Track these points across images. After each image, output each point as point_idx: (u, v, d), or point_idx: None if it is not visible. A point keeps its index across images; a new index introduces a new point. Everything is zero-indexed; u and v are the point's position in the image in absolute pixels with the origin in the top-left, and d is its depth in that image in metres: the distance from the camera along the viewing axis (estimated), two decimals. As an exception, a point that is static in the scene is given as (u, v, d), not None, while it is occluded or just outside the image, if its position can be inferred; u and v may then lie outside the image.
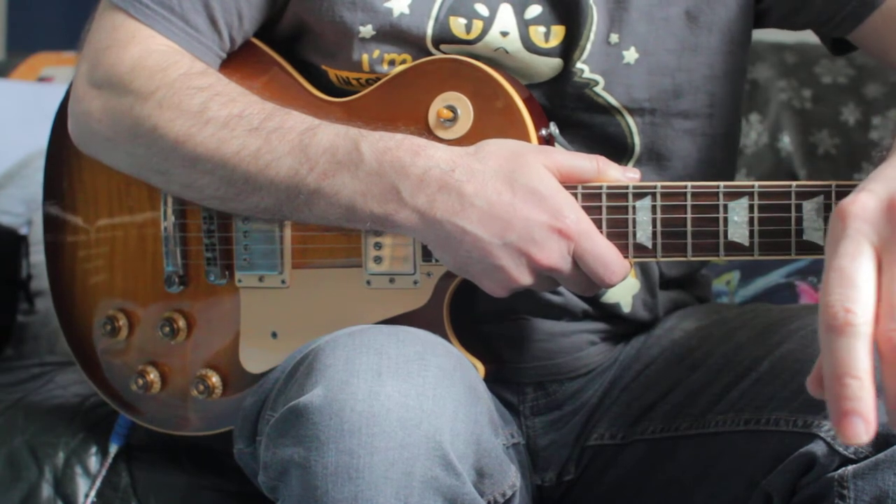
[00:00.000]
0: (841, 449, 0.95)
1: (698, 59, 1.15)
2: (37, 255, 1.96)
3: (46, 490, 1.36)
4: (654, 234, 1.01)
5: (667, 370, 1.16)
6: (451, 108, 1.07)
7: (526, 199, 0.98)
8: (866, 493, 0.93)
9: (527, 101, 1.08)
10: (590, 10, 1.11)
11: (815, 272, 1.75)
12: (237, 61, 1.17)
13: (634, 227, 1.01)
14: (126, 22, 1.12)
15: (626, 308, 1.20)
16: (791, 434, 1.00)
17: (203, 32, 1.13)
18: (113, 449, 1.33)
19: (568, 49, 1.12)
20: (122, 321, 1.24)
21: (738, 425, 1.07)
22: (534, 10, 1.11)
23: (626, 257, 1.02)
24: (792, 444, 0.99)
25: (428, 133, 1.07)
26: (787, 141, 2.09)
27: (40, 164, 2.14)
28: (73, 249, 1.28)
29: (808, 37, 2.29)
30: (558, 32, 1.12)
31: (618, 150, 1.16)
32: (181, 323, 1.21)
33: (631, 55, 1.13)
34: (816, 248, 0.97)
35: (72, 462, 1.36)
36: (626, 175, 1.03)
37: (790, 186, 0.97)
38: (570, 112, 1.14)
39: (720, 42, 1.15)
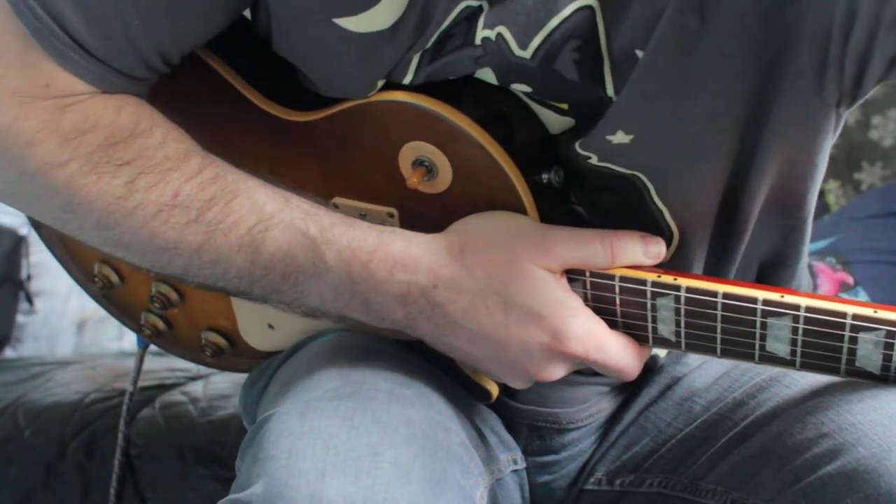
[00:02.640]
0: None
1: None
2: (37, 255, 1.97)
3: (45, 487, 1.36)
4: (678, 332, 0.89)
5: (666, 417, 1.08)
6: (424, 164, 0.91)
7: (521, 321, 0.86)
8: None
9: (512, 147, 0.90)
10: (604, 106, 0.88)
11: (833, 253, 1.75)
12: (175, 77, 0.94)
13: (655, 322, 0.89)
14: (42, 63, 0.86)
15: (663, 355, 1.09)
16: None
17: (138, 77, 0.90)
18: (140, 346, 1.22)
19: (577, 122, 0.92)
20: (113, 276, 1.12)
21: (724, 502, 1.00)
22: (520, 87, 0.91)
23: (645, 345, 0.92)
24: None
25: (402, 181, 0.92)
26: (787, 140, 2.10)
27: (40, 164, 2.16)
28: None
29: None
30: (560, 104, 0.92)
31: (635, 196, 0.96)
32: (173, 296, 1.10)
33: (620, 137, 0.90)
34: (870, 376, 0.86)
35: (71, 459, 1.37)
36: (648, 251, 0.89)
37: (845, 316, 0.83)
38: (592, 179, 0.94)
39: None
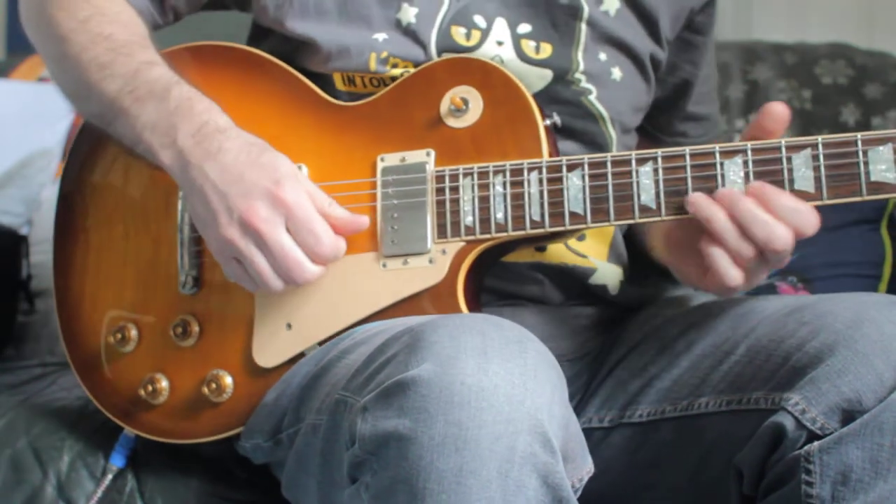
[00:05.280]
0: (808, 423, 0.99)
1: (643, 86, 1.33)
2: (37, 256, 1.96)
3: (50, 493, 1.35)
4: (658, 194, 1.08)
5: (651, 357, 1.21)
6: (463, 100, 1.15)
7: (264, 167, 1.11)
8: (831, 469, 0.98)
9: (532, 95, 1.17)
10: (577, 34, 1.25)
11: (795, 271, 1.76)
12: (253, 76, 1.26)
13: (638, 189, 1.09)
14: None
15: (613, 291, 1.29)
16: (768, 412, 1.04)
17: None
18: (113, 469, 1.32)
19: (557, 62, 1.25)
20: (133, 331, 1.26)
21: (720, 407, 1.11)
22: (524, 28, 1.24)
23: (630, 218, 1.09)
24: (766, 420, 1.04)
25: (439, 122, 1.17)
26: (787, 141, 2.09)
27: (40, 163, 2.15)
28: (83, 265, 1.31)
29: (809, 37, 2.30)
30: (546, 48, 1.25)
31: None
32: (194, 326, 1.23)
33: (616, 73, 1.27)
34: (812, 197, 1.05)
35: (76, 465, 1.36)
36: (357, 220, 1.15)
37: (780, 143, 1.06)
38: (566, 119, 1.23)
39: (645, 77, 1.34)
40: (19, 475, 1.35)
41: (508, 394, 0.90)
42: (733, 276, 1.05)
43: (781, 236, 1.03)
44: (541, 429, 0.90)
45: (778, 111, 1.06)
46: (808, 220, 1.04)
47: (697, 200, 1.06)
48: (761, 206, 1.04)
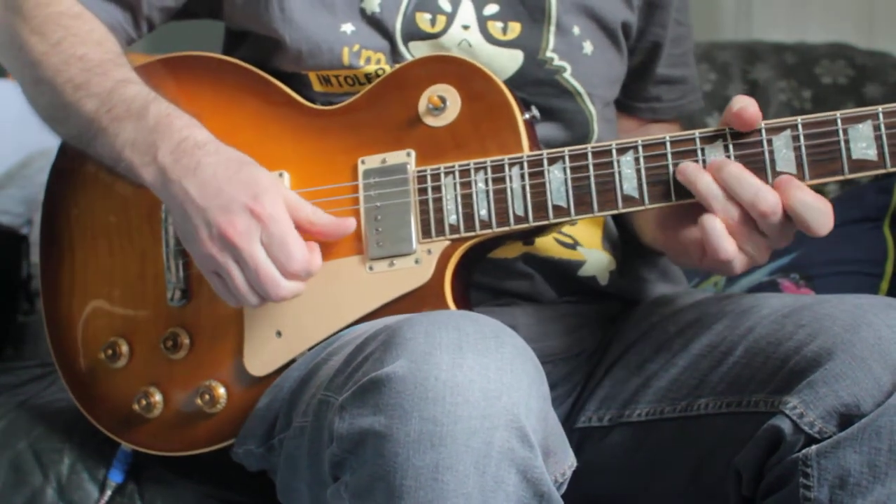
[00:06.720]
0: (806, 428, 0.99)
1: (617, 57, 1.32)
2: (37, 256, 1.96)
3: (51, 496, 1.35)
4: (640, 183, 1.09)
5: (648, 355, 1.22)
6: (441, 98, 1.15)
7: (242, 182, 1.11)
8: (829, 473, 0.98)
9: (509, 88, 1.17)
10: (548, 9, 1.25)
11: (797, 268, 1.76)
12: (228, 84, 1.26)
13: (620, 179, 1.09)
14: None
15: (603, 282, 1.29)
16: (767, 415, 1.04)
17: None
18: (112, 485, 1.33)
19: (527, 42, 1.24)
20: (124, 347, 1.26)
21: (720, 409, 1.11)
22: (491, 8, 1.24)
23: (614, 209, 1.10)
24: (765, 422, 1.04)
25: (418, 122, 1.17)
26: (786, 141, 2.09)
27: (40, 164, 2.15)
28: (70, 285, 1.31)
29: (809, 37, 2.30)
30: (515, 27, 1.24)
31: (581, 135, 1.28)
32: (185, 338, 1.23)
33: (588, 47, 1.27)
34: (794, 178, 1.05)
35: (77, 468, 1.36)
36: (343, 223, 1.15)
37: (760, 125, 1.06)
38: (543, 99, 1.24)
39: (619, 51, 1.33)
40: (20, 477, 1.35)
41: (484, 388, 0.90)
42: (726, 248, 1.04)
43: (767, 198, 1.03)
44: (518, 423, 0.90)
45: (748, 116, 1.05)
46: (820, 220, 1.03)
47: (686, 167, 1.06)
48: (754, 175, 1.05)
